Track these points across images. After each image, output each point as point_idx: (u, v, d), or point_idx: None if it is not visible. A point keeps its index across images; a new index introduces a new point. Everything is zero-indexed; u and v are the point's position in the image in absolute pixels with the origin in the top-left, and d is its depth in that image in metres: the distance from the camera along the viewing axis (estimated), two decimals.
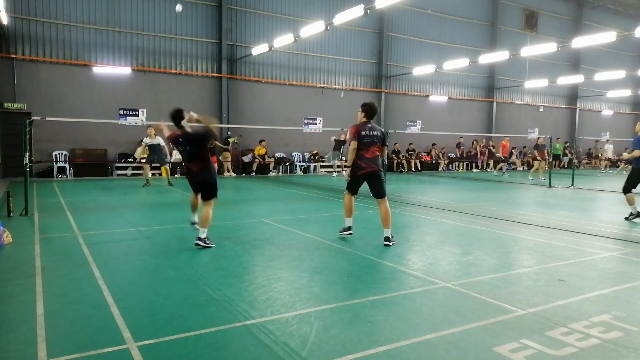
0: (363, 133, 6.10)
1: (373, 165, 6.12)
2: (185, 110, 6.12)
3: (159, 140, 13.23)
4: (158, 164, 13.81)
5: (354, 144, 6.14)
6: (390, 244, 6.13)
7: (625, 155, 9.44)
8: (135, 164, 13.93)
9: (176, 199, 11.64)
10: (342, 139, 19.09)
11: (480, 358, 3.01)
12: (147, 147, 13.29)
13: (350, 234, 6.58)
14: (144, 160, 13.60)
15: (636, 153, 8.51)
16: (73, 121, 15.38)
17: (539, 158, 18.81)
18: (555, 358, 3.03)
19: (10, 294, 4.17)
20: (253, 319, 3.58)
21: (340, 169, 19.54)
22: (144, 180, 13.89)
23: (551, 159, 17.94)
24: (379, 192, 6.20)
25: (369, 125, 6.19)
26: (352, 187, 6.42)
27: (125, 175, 17.09)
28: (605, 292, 4.40)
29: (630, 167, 9.16)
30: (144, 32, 17.68)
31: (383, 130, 6.34)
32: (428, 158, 23.99)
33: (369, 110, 6.25)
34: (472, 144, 24.92)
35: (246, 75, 19.78)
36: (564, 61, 28.78)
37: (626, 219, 8.65)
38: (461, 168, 24.83)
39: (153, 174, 17.29)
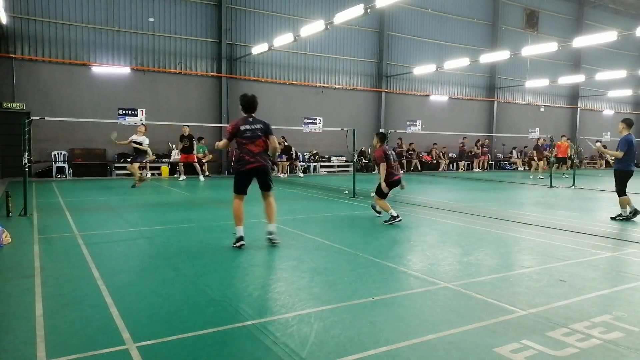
0: (242, 128, 5.95)
1: (260, 159, 5.91)
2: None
3: (146, 140, 13.09)
4: (138, 162, 13.19)
5: (225, 142, 6.29)
6: (276, 240, 6.02)
7: (609, 151, 9.22)
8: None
9: (176, 199, 11.63)
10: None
11: (481, 359, 3.00)
12: (132, 143, 12.99)
13: (243, 244, 5.82)
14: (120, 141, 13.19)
15: (618, 154, 8.51)
16: (72, 121, 15.37)
17: (535, 158, 19.58)
18: (556, 358, 3.01)
19: (9, 295, 4.15)
20: (253, 320, 3.56)
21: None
22: (133, 180, 13.25)
23: (553, 158, 17.91)
24: (266, 186, 6.04)
25: (250, 119, 6.04)
26: (239, 187, 5.95)
27: (124, 175, 17.03)
28: (606, 293, 4.39)
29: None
30: (143, 32, 17.66)
31: (266, 122, 6.10)
32: (429, 158, 23.97)
33: (244, 104, 6.14)
34: (476, 143, 24.92)
35: (246, 75, 19.77)
36: (565, 61, 28.77)
37: (612, 218, 8.64)
38: (462, 168, 24.80)
39: (152, 174, 17.32)
